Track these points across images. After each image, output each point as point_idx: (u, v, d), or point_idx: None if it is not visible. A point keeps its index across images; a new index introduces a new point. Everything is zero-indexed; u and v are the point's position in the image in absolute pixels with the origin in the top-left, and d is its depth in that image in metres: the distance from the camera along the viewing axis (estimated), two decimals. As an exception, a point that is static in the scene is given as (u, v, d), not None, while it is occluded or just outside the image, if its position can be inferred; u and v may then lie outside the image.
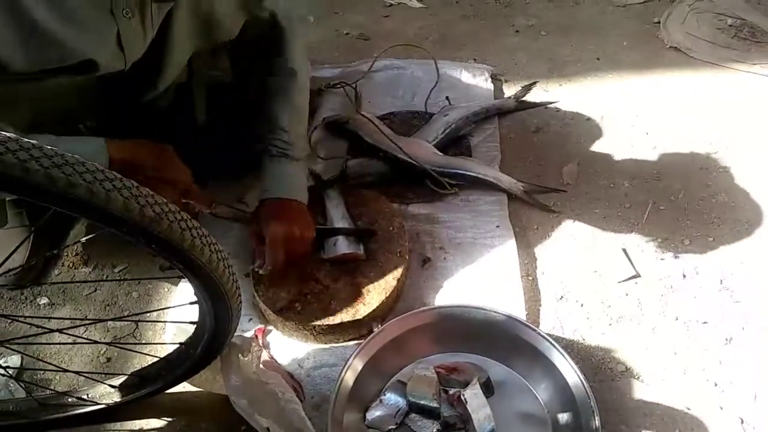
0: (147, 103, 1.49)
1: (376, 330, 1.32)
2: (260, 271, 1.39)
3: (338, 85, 1.94)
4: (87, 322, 1.44)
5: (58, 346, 1.42)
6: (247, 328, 1.42)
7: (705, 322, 1.40)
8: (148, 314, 1.47)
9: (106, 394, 1.24)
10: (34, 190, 0.70)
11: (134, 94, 1.39)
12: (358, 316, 1.36)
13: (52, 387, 1.36)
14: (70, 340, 1.33)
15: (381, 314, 1.40)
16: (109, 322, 1.47)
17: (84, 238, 1.56)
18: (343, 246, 1.46)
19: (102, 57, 1.18)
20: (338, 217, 1.53)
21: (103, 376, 1.29)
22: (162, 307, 1.50)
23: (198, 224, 0.87)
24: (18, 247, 1.52)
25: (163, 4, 1.22)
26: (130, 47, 1.21)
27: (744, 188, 1.66)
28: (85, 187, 0.71)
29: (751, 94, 1.89)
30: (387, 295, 1.39)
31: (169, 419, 1.29)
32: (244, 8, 1.41)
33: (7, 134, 0.68)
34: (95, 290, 1.55)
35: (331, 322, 1.36)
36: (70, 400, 1.26)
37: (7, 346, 1.27)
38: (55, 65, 1.14)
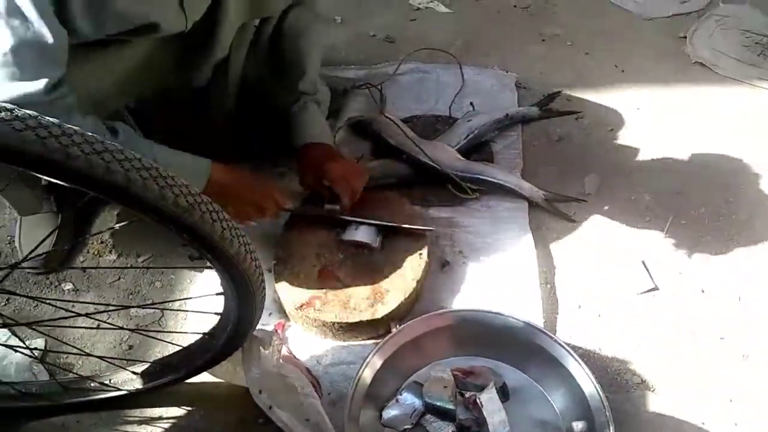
0: (187, 79, 1.52)
1: (394, 330, 1.34)
2: (337, 209, 1.51)
3: (363, 87, 1.95)
4: (112, 308, 1.47)
5: (81, 331, 1.45)
6: (267, 323, 1.44)
7: (722, 338, 1.41)
8: (172, 303, 1.49)
9: (128, 381, 1.27)
10: (74, 175, 0.72)
11: (187, 63, 1.43)
12: (377, 316, 1.37)
13: (74, 371, 1.39)
14: (94, 325, 1.35)
15: (399, 315, 1.41)
16: (132, 311, 1.50)
17: (117, 225, 1.59)
18: (361, 233, 1.49)
19: (165, 17, 1.21)
20: None
21: (126, 362, 1.31)
22: (186, 295, 1.53)
23: (228, 217, 0.89)
24: (51, 234, 1.56)
25: None
26: (192, 7, 1.25)
27: (765, 206, 1.66)
28: (123, 174, 0.73)
29: (774, 112, 1.90)
30: (406, 296, 1.40)
31: (189, 408, 1.31)
32: None
33: (52, 120, 0.71)
34: (119, 278, 1.57)
35: (349, 320, 1.37)
36: (92, 384, 1.29)
37: (33, 328, 1.29)
38: (122, 28, 1.17)
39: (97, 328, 1.40)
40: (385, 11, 2.28)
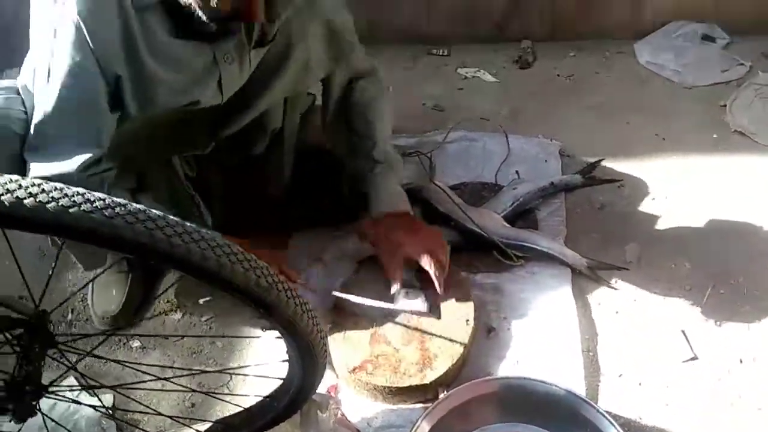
0: (242, 146, 1.65)
1: (442, 396, 1.41)
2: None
3: (413, 154, 2.06)
4: (185, 372, 1.56)
5: (148, 382, 1.55)
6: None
7: (760, 409, 1.45)
8: (237, 365, 1.59)
9: (192, 439, 1.37)
10: (173, 261, 0.84)
11: (227, 125, 1.53)
12: (426, 381, 1.45)
13: (141, 427, 1.49)
14: (164, 385, 1.45)
15: (447, 380, 1.48)
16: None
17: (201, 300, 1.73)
18: (412, 302, 1.58)
19: (203, 97, 1.34)
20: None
21: (189, 420, 1.41)
22: (244, 356, 1.63)
23: (299, 293, 1.00)
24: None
25: (261, 48, 1.38)
26: (228, 87, 1.38)
27: (806, 275, 1.70)
28: (215, 260, 0.85)
29: (815, 182, 1.94)
30: (453, 361, 1.48)
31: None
32: (333, 62, 1.57)
33: (157, 213, 0.82)
34: (183, 337, 1.69)
35: (399, 385, 1.45)
36: (158, 440, 1.39)
37: (118, 391, 1.40)
38: (163, 109, 1.31)
39: (164, 389, 1.50)
40: (435, 81, 2.40)
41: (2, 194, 0.74)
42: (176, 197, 1.63)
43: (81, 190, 0.79)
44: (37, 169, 1.23)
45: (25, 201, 0.75)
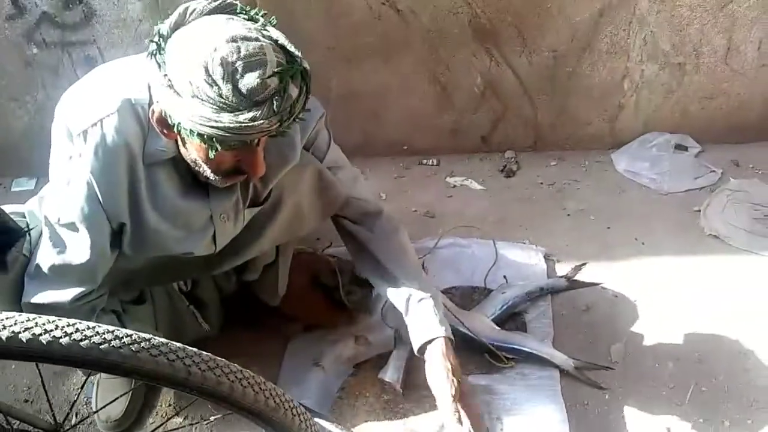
0: (236, 274, 1.75)
1: (438, 494, 1.46)
2: None
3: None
4: None
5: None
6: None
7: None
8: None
9: None
10: (189, 386, 0.93)
11: (219, 265, 1.62)
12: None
13: None
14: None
15: (442, 478, 1.54)
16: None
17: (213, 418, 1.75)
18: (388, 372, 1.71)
19: (197, 249, 1.46)
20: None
21: None
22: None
23: (303, 410, 1.08)
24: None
25: (254, 208, 1.49)
26: (222, 241, 1.49)
27: (782, 374, 1.78)
28: (228, 385, 0.95)
29: (788, 282, 2.05)
30: (447, 460, 1.53)
31: None
32: (324, 211, 1.63)
33: (177, 345, 0.93)
34: (188, 442, 1.74)
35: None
36: None
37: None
38: (161, 255, 1.42)
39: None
40: (425, 189, 2.55)
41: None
42: (173, 308, 1.73)
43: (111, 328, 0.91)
44: (33, 295, 1.35)
45: (21, 335, 0.86)
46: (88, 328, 0.90)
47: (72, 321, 0.90)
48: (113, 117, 1.22)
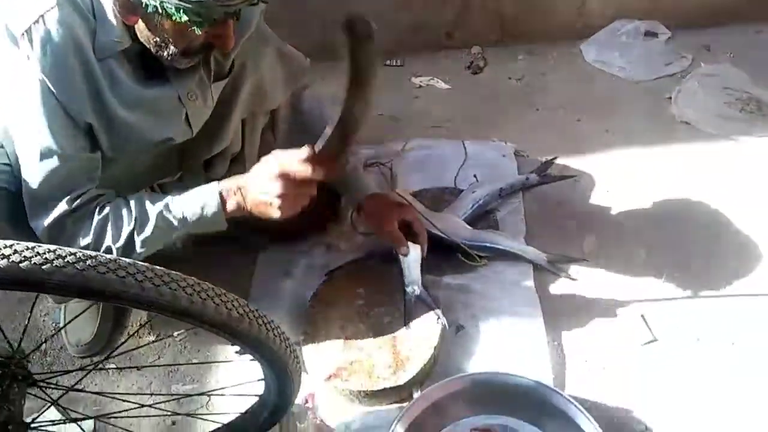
0: (204, 173, 1.68)
1: (416, 395, 1.46)
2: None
3: (374, 165, 2.11)
4: (163, 398, 1.58)
5: (126, 411, 1.57)
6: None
7: (718, 385, 1.52)
8: (213, 384, 1.61)
9: (176, 457, 1.39)
10: (145, 303, 0.88)
11: (197, 154, 1.57)
12: (400, 383, 1.50)
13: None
14: (142, 410, 1.47)
15: (420, 379, 1.53)
16: (174, 388, 1.63)
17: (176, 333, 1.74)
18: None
19: (176, 135, 1.40)
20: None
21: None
22: (221, 371, 1.65)
23: (271, 318, 1.04)
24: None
25: (220, 82, 1.44)
26: (196, 122, 1.43)
27: (753, 256, 1.78)
28: (187, 299, 0.90)
29: (758, 166, 2.03)
30: (425, 362, 1.53)
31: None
32: (287, 84, 1.62)
33: (127, 260, 0.87)
34: (159, 357, 1.71)
35: (374, 388, 1.50)
36: (141, 461, 1.42)
37: (86, 416, 1.42)
38: (141, 148, 1.36)
39: (146, 416, 1.52)
40: (390, 91, 2.45)
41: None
42: None
43: (53, 247, 0.84)
44: (39, 227, 1.30)
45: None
46: (28, 248, 0.83)
47: (9, 242, 0.83)
48: (54, 11, 1.17)
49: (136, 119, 1.32)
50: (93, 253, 0.86)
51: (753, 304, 1.67)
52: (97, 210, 1.32)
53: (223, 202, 1.31)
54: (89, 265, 0.84)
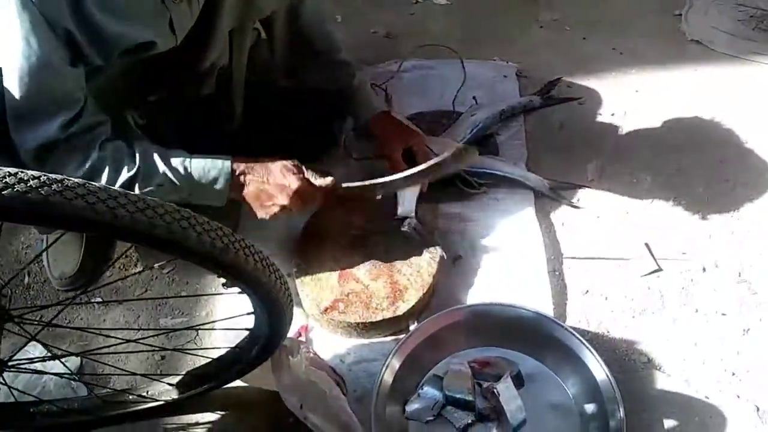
0: (192, 89, 1.59)
1: (412, 327, 1.42)
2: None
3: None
4: (151, 333, 1.54)
5: (115, 346, 1.53)
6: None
7: (724, 314, 1.48)
8: (203, 317, 1.57)
9: (165, 392, 1.35)
10: (121, 233, 0.80)
11: (184, 68, 1.47)
12: (398, 313, 1.45)
13: (111, 385, 1.47)
14: (129, 345, 1.43)
15: (418, 310, 1.49)
16: (162, 322, 1.58)
17: (157, 265, 1.68)
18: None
19: (156, 38, 1.29)
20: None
21: (161, 376, 1.39)
22: (211, 304, 1.61)
23: (259, 249, 0.97)
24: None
25: None
26: (181, 27, 1.32)
27: (762, 180, 1.71)
28: (165, 227, 0.82)
29: (771, 86, 1.94)
30: (424, 292, 1.48)
31: (222, 413, 1.40)
32: None
33: (98, 185, 0.78)
34: (146, 290, 1.65)
35: (372, 320, 1.45)
36: (130, 397, 1.37)
37: (87, 357, 1.37)
38: (123, 48, 1.25)
39: (133, 351, 1.48)
40: (384, 7, 2.33)
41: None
42: None
43: (12, 170, 0.75)
44: (24, 141, 1.22)
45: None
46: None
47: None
48: None
49: (116, 23, 1.20)
50: (59, 177, 0.77)
51: (762, 232, 1.61)
52: (96, 146, 1.25)
53: (234, 182, 1.33)
54: (55, 190, 0.75)
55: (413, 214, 1.57)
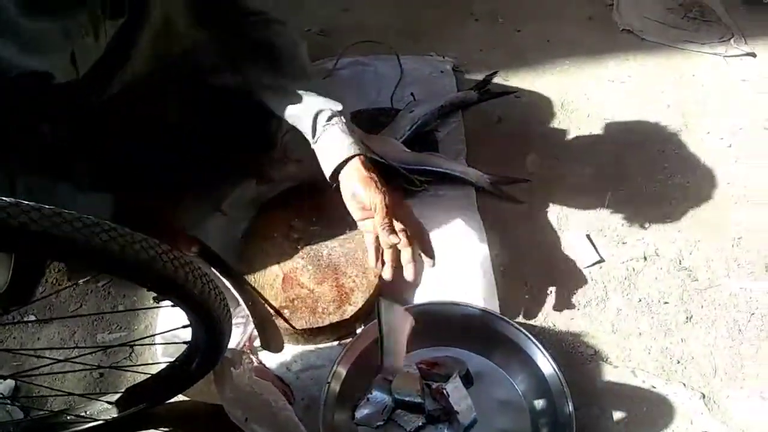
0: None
1: (359, 331, 1.39)
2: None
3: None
4: (88, 350, 1.48)
5: (50, 366, 1.46)
6: (235, 334, 1.47)
7: (666, 302, 1.50)
8: (142, 330, 1.51)
9: (104, 411, 1.29)
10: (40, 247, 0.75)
11: (85, 96, 1.38)
12: (346, 316, 1.42)
13: (48, 406, 1.41)
14: (65, 366, 1.37)
15: (365, 312, 1.46)
16: (100, 337, 1.52)
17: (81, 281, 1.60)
18: None
19: (56, 70, 1.22)
20: None
21: (99, 394, 1.34)
22: (149, 318, 1.55)
23: (190, 260, 0.92)
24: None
25: (118, 20, 1.25)
26: (84, 62, 1.25)
27: (699, 168, 1.75)
28: (84, 240, 0.76)
29: (702, 74, 1.98)
30: (371, 293, 1.46)
31: (164, 430, 1.35)
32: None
33: (8, 200, 0.73)
34: (81, 305, 1.58)
35: (319, 325, 1.42)
36: (69, 417, 1.31)
37: (2, 375, 1.31)
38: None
39: (69, 371, 1.42)
40: (317, 3, 2.28)
41: None
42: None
43: None
44: None
45: None
46: None
47: None
48: None
49: (14, 56, 1.11)
50: None
51: (699, 220, 1.64)
52: None
53: None
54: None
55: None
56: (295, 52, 1.48)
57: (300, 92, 1.40)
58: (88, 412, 1.29)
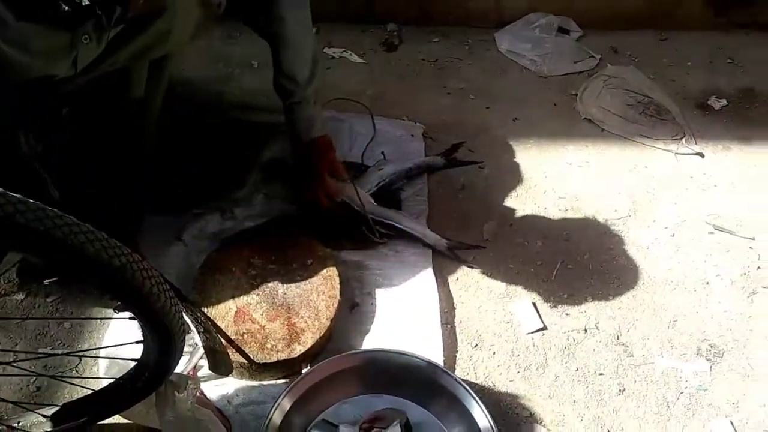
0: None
1: (305, 371, 1.42)
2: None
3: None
4: (31, 356, 1.46)
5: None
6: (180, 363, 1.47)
7: (602, 374, 1.56)
8: (87, 347, 1.50)
9: (38, 424, 1.27)
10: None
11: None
12: (293, 355, 1.45)
13: (-21, 415, 1.38)
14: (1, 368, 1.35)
15: (313, 353, 1.49)
16: (41, 351, 1.51)
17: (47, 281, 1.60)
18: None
19: (58, 72, 1.27)
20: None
21: (35, 406, 1.32)
22: (95, 337, 1.54)
23: (157, 273, 0.95)
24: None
25: (120, 26, 1.31)
26: (83, 62, 1.30)
27: (641, 253, 1.84)
28: (62, 237, 0.79)
29: (654, 166, 2.10)
30: (321, 335, 1.49)
31: (100, 450, 1.33)
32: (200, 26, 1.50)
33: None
34: (26, 317, 1.57)
35: (267, 361, 1.44)
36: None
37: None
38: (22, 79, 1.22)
39: (5, 374, 1.40)
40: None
41: None
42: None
43: None
44: None
45: None
46: None
47: None
48: None
49: (20, 59, 1.17)
50: None
51: (638, 301, 1.72)
52: None
53: None
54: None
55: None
56: None
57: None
58: (20, 424, 1.27)
